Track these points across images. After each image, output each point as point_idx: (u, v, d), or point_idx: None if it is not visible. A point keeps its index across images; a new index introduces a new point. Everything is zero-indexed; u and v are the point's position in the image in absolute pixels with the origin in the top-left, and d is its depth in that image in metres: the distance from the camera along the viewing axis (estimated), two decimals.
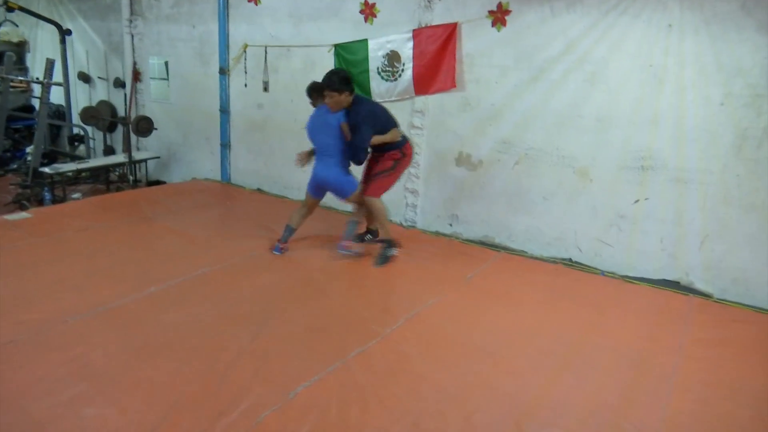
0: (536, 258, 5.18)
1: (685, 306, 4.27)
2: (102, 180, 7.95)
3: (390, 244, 4.82)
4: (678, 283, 4.64)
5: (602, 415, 2.86)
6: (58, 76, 8.08)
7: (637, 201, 4.69)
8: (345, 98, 4.48)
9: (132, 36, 8.16)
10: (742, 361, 3.47)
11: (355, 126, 4.45)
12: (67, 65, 8.52)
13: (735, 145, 4.22)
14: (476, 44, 5.18)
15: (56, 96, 8.90)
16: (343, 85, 4.43)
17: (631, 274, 4.80)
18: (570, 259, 5.11)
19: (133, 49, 8.23)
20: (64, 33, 8.43)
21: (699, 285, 4.56)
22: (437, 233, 5.77)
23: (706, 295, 4.49)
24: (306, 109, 6.52)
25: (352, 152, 4.57)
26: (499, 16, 4.99)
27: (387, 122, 4.67)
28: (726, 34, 4.10)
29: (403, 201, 5.97)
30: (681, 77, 4.32)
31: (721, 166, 4.30)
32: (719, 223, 4.39)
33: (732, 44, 4.09)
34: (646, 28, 4.39)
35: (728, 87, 4.17)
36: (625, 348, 3.55)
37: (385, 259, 4.76)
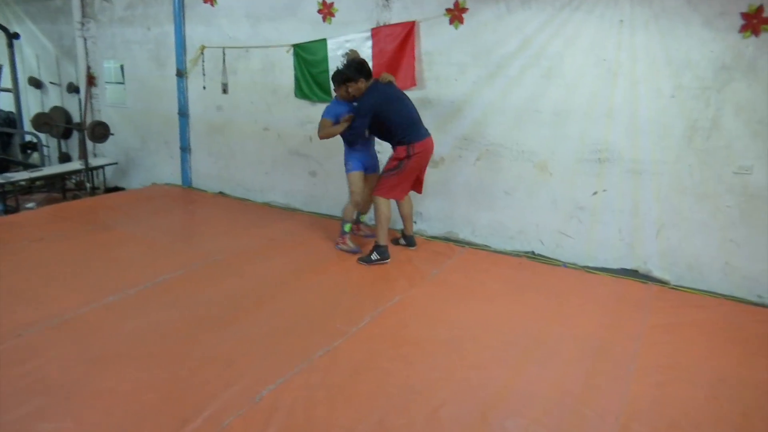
0: (500, 252, 5.24)
1: (644, 293, 4.38)
2: (58, 188, 7.75)
3: (379, 251, 4.75)
4: (636, 271, 4.76)
5: (565, 402, 2.92)
6: (6, 81, 7.86)
7: (595, 193, 4.79)
8: (355, 87, 4.59)
9: (85, 39, 7.96)
10: (699, 345, 3.58)
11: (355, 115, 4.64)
12: (16, 70, 8.28)
13: (686, 136, 4.35)
14: (435, 42, 5.22)
15: (6, 103, 8.65)
16: (353, 74, 4.58)
17: (591, 265, 4.90)
18: (533, 252, 5.19)
19: (87, 53, 8.02)
20: (12, 37, 8.17)
21: (656, 273, 4.69)
22: (402, 231, 5.77)
23: (663, 282, 4.61)
24: (265, 110, 6.51)
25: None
26: (456, 14, 5.03)
27: (392, 116, 4.54)
28: (674, 28, 4.22)
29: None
30: (633, 71, 4.43)
31: (674, 156, 4.42)
32: (674, 212, 4.52)
33: (680, 38, 4.21)
34: (599, 24, 4.49)
35: (678, 80, 4.29)
36: (586, 337, 3.62)
37: (368, 261, 4.74)
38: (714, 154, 4.28)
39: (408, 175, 4.69)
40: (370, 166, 5.02)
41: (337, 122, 4.77)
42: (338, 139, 5.60)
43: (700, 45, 4.16)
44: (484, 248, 5.33)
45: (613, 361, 3.36)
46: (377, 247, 4.75)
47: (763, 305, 4.26)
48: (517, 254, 5.18)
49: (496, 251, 5.27)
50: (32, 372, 2.98)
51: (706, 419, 2.82)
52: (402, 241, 5.23)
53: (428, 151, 4.71)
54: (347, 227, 5.04)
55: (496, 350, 3.43)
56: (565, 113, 4.77)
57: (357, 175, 4.91)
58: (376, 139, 5.04)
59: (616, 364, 3.33)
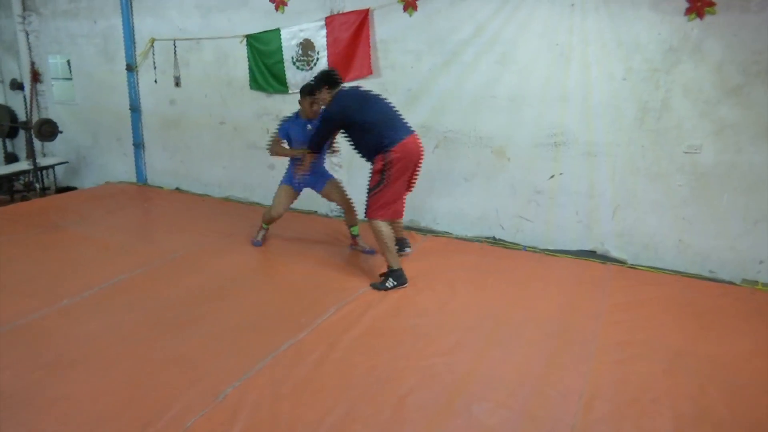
0: (461, 238, 5.28)
1: (603, 274, 4.48)
2: (5, 190, 7.45)
3: (394, 276, 4.09)
4: (594, 252, 4.86)
5: (529, 384, 2.96)
6: None
7: (552, 176, 4.86)
8: (320, 97, 4.20)
9: (27, 33, 7.67)
10: (656, 321, 3.68)
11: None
12: None
13: (638, 118, 4.44)
14: (389, 30, 5.19)
15: None
16: (315, 83, 4.21)
17: (550, 247, 4.98)
18: (494, 237, 5.24)
19: (30, 48, 7.73)
20: None
21: (614, 253, 4.79)
22: (363, 221, 5.75)
23: (620, 262, 4.72)
24: (220, 103, 6.38)
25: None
26: (409, 1, 5.02)
27: (364, 118, 4.04)
28: (623, 11, 4.29)
29: None
30: (585, 54, 4.49)
31: (627, 138, 4.51)
32: (628, 192, 4.62)
33: (629, 21, 4.29)
34: (550, 8, 4.53)
35: (629, 62, 4.37)
36: (548, 318, 3.68)
37: (382, 288, 4.09)
38: (665, 134, 4.38)
39: (396, 187, 4.08)
40: (308, 183, 4.80)
41: (288, 141, 4.63)
42: None
43: (649, 28, 4.24)
44: (446, 235, 5.36)
45: (574, 341, 3.42)
46: (391, 272, 4.12)
47: (715, 280, 4.40)
48: (478, 240, 5.22)
49: (458, 238, 5.30)
50: None
51: (665, 393, 2.90)
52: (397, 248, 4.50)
53: (411, 152, 4.04)
54: (265, 225, 4.98)
55: (461, 336, 3.45)
56: (520, 98, 4.81)
57: (282, 188, 4.78)
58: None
59: (578, 344, 3.39)
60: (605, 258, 4.79)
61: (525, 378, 3.02)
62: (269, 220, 4.89)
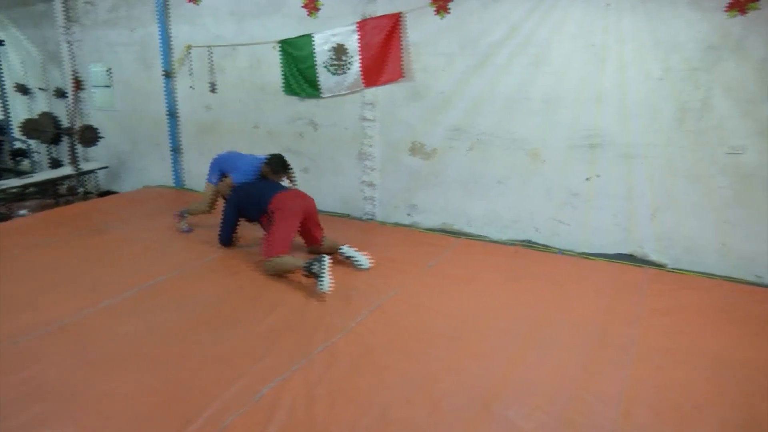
0: (495, 241, 5.24)
1: (641, 277, 4.39)
2: (50, 194, 7.69)
3: (312, 271, 3.98)
4: (633, 255, 4.76)
5: (566, 389, 2.91)
6: None
7: (588, 179, 4.79)
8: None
9: (70, 43, 7.90)
10: (697, 327, 3.59)
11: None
12: (2, 77, 8.19)
13: (677, 118, 4.35)
14: (421, 33, 5.19)
15: None
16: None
17: (587, 251, 4.90)
18: (528, 240, 5.19)
19: (72, 57, 7.97)
20: None
21: (653, 256, 4.69)
22: (397, 224, 5.78)
23: (660, 266, 4.62)
24: (254, 108, 6.47)
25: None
26: (441, 4, 5.01)
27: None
28: (661, 10, 4.20)
29: (360, 194, 5.96)
30: (621, 55, 4.42)
31: (665, 139, 4.42)
32: (667, 195, 4.52)
33: (667, 20, 4.20)
34: (585, 8, 4.48)
35: (666, 62, 4.28)
36: (585, 322, 3.63)
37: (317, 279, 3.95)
38: (705, 135, 4.27)
39: (279, 226, 4.37)
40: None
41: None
42: (331, 137, 5.66)
43: (687, 26, 4.15)
44: (479, 238, 5.33)
45: (612, 346, 3.36)
46: (310, 273, 4.01)
47: (761, 285, 4.27)
48: (512, 243, 5.18)
49: (491, 241, 5.26)
50: (31, 378, 2.95)
51: (708, 401, 2.83)
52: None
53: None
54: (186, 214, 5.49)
55: (496, 339, 3.42)
56: (554, 100, 4.76)
57: (209, 187, 5.31)
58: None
59: (616, 348, 3.33)
60: (644, 261, 4.69)
61: (562, 382, 2.98)
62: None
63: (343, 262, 4.57)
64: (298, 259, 4.19)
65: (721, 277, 4.40)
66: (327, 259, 3.94)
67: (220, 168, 5.31)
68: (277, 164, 4.85)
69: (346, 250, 4.56)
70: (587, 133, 4.69)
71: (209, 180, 5.36)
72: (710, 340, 3.43)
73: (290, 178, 5.19)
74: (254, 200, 4.64)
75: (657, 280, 4.36)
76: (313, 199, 4.71)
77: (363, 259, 4.48)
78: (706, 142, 4.28)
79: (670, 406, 2.79)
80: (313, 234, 4.70)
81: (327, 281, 3.87)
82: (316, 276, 3.95)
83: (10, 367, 3.06)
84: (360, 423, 2.63)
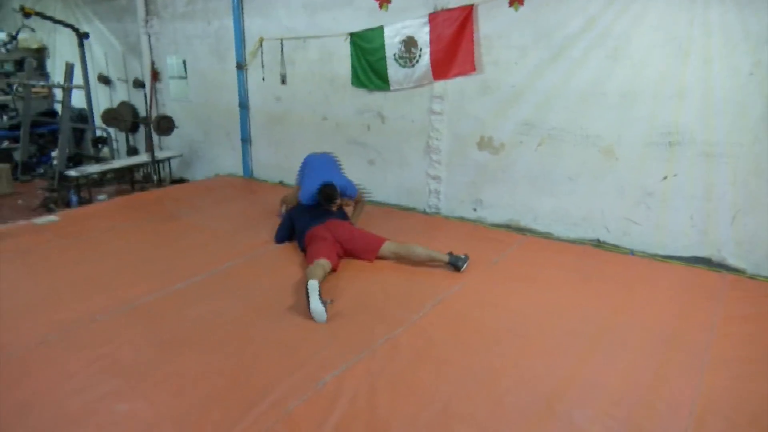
0: (563, 240, 5.11)
1: (718, 283, 4.17)
2: (127, 180, 8.07)
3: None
4: (710, 259, 4.53)
5: (635, 393, 2.81)
6: (78, 79, 8.18)
7: (665, 178, 4.58)
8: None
9: (149, 36, 8.23)
10: None
11: None
12: (87, 68, 8.62)
13: (765, 117, 4.09)
14: (494, 25, 5.10)
15: (78, 99, 9.03)
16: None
17: (660, 252, 4.70)
18: (598, 240, 5.03)
19: (151, 49, 8.29)
20: (82, 36, 8.50)
21: (731, 261, 4.45)
22: (462, 218, 5.72)
23: (739, 271, 4.38)
24: (323, 100, 6.55)
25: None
26: None
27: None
28: (753, 0, 3.96)
29: (426, 188, 5.94)
30: (707, 48, 4.19)
31: (752, 138, 4.17)
32: (751, 197, 4.27)
33: (759, 11, 3.95)
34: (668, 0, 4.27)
35: (757, 56, 4.03)
36: (656, 326, 3.48)
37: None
38: None
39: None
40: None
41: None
42: (398, 130, 5.65)
43: None
44: (546, 236, 5.20)
45: (685, 352, 3.21)
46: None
47: None
48: (581, 242, 5.03)
49: (559, 239, 5.13)
50: (107, 355, 3.11)
51: None
52: None
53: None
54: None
55: (561, 339, 3.34)
56: (632, 95, 4.58)
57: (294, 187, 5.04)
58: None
59: (689, 355, 3.18)
60: (721, 266, 4.46)
61: (630, 387, 2.87)
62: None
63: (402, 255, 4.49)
64: (312, 274, 3.85)
65: None
66: (312, 285, 3.61)
67: (302, 173, 5.22)
68: (322, 198, 4.64)
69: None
70: (666, 130, 4.48)
71: (297, 178, 5.32)
72: None
73: (344, 206, 5.03)
74: (299, 228, 4.74)
75: (735, 286, 4.13)
76: (349, 227, 4.67)
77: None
78: None
79: (747, 418, 2.65)
80: (365, 258, 4.53)
81: (314, 307, 3.52)
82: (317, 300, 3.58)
83: (90, 343, 3.23)
84: (421, 416, 2.63)
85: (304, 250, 4.59)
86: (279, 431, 2.51)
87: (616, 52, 4.56)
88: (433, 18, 5.36)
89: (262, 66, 6.98)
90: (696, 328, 3.47)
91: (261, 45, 6.90)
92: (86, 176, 7.20)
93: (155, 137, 8.03)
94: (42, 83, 9.47)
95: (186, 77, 8.06)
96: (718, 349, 3.23)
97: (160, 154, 8.08)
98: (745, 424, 2.60)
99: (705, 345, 3.27)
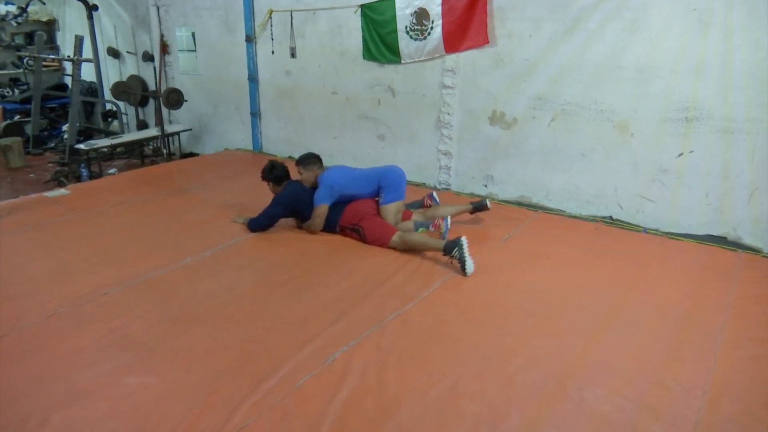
0: (575, 217, 5.05)
1: (733, 262, 4.11)
2: (137, 154, 8.06)
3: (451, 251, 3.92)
4: (725, 238, 4.46)
5: (647, 373, 2.78)
6: (87, 52, 8.13)
7: (680, 154, 4.49)
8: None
9: (158, 8, 8.14)
10: None
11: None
12: (96, 41, 8.57)
13: None
14: None
15: (88, 73, 9.00)
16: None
17: (674, 231, 4.64)
18: (610, 217, 4.96)
19: (159, 21, 8.21)
20: (91, 9, 8.44)
21: (747, 240, 4.38)
22: (472, 194, 5.66)
23: (755, 250, 4.31)
24: (333, 73, 6.46)
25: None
26: None
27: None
28: None
29: (436, 163, 5.88)
30: (728, 20, 4.07)
31: None
32: None
33: None
34: None
35: None
36: (669, 306, 3.44)
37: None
38: None
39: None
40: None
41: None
42: (409, 104, 5.52)
43: None
44: (558, 213, 5.14)
45: (698, 332, 3.17)
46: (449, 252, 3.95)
47: None
48: (593, 219, 4.97)
49: (571, 216, 5.07)
50: (118, 329, 3.12)
51: None
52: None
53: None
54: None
55: (572, 317, 3.31)
56: (649, 69, 4.46)
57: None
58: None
59: (702, 335, 3.14)
60: (737, 245, 4.39)
61: (642, 366, 2.84)
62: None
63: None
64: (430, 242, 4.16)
65: None
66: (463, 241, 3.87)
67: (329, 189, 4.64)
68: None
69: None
70: (683, 105, 4.38)
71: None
72: None
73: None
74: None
75: (751, 265, 4.06)
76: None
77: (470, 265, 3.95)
78: None
79: (762, 400, 2.61)
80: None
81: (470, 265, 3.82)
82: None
83: (101, 317, 3.24)
84: (430, 393, 2.62)
85: (337, 226, 4.51)
86: (288, 406, 2.51)
87: (633, 25, 4.44)
88: None
89: (272, 39, 6.89)
90: (710, 308, 3.43)
91: (270, 17, 6.80)
92: (96, 150, 7.20)
93: (165, 111, 7.99)
94: (52, 56, 9.43)
95: (195, 50, 7.99)
96: (733, 329, 3.19)
97: (169, 128, 8.06)
98: (760, 406, 2.57)
99: (719, 325, 3.23)
